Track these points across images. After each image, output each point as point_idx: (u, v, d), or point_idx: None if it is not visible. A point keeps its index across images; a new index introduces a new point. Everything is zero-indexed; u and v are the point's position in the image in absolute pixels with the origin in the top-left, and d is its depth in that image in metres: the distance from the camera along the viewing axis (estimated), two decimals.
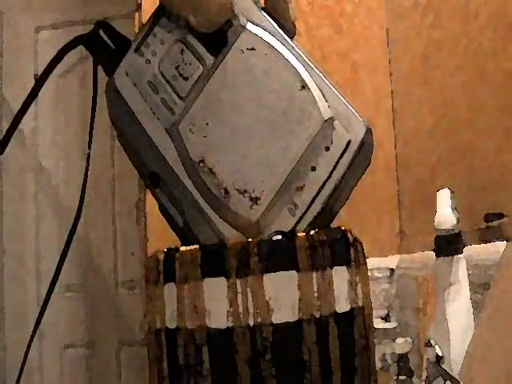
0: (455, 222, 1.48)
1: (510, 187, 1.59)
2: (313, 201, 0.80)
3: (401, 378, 1.74)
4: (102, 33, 0.90)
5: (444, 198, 1.51)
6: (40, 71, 3.01)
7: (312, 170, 0.80)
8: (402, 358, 1.77)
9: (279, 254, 0.76)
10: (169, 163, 0.82)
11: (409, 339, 1.82)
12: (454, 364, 1.39)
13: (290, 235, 0.77)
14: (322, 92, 0.81)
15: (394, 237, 2.31)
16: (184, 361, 0.75)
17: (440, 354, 1.42)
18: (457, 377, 1.34)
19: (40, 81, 0.99)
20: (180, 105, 0.82)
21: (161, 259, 0.83)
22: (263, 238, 0.78)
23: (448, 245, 1.48)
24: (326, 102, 0.80)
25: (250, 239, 0.78)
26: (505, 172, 1.61)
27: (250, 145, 0.79)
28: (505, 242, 1.41)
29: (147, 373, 0.85)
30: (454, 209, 1.49)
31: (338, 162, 0.80)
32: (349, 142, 0.80)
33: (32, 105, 3.01)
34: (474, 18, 1.76)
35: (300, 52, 0.84)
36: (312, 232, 0.77)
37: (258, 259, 0.74)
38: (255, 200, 0.78)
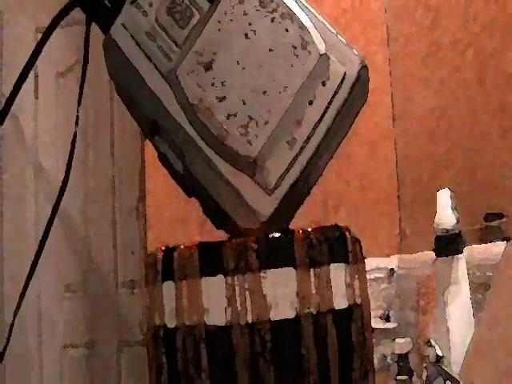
0: (455, 221, 1.48)
1: (510, 187, 1.58)
2: (311, 134, 0.81)
3: (401, 377, 1.74)
4: None
5: (444, 198, 1.51)
6: (40, 71, 3.01)
7: (309, 104, 0.81)
8: (402, 358, 1.76)
9: (277, 251, 0.76)
10: (168, 109, 0.83)
11: (409, 339, 1.82)
12: (454, 364, 1.39)
13: (288, 232, 0.77)
14: (318, 29, 0.83)
15: (394, 237, 2.31)
16: (183, 358, 0.75)
17: (440, 354, 1.41)
18: (457, 377, 1.34)
19: (38, 47, 1.01)
20: (177, 52, 0.84)
21: (159, 258, 0.83)
22: (261, 169, 0.79)
23: (448, 245, 1.48)
24: (322, 38, 0.83)
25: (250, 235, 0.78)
26: (505, 172, 1.61)
27: (248, 83, 0.81)
28: (505, 242, 1.41)
29: (147, 373, 0.85)
30: (454, 209, 1.49)
31: (334, 96, 0.82)
32: (344, 76, 0.82)
33: (32, 105, 2.99)
34: (474, 18, 1.76)
35: None
36: (310, 229, 0.77)
37: (255, 256, 0.74)
38: (254, 136, 0.79)
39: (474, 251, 1.57)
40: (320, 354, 0.74)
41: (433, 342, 1.44)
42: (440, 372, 1.40)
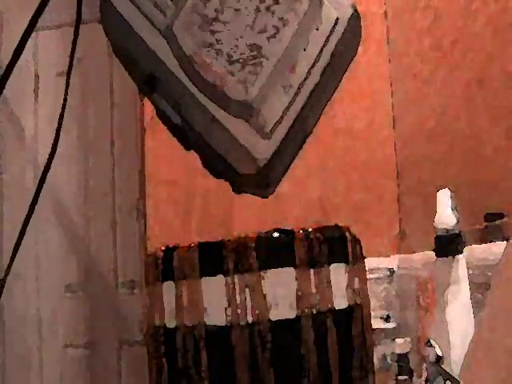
0: (455, 221, 1.48)
1: (510, 187, 1.59)
2: (305, 79, 0.83)
3: (401, 377, 1.74)
4: None
5: (444, 198, 1.51)
6: (40, 71, 3.01)
7: (304, 51, 0.83)
8: (402, 358, 1.76)
9: (277, 251, 0.76)
10: (165, 63, 0.85)
11: (409, 339, 1.82)
12: (454, 364, 1.39)
13: (288, 232, 0.77)
14: None
15: (394, 237, 2.31)
16: (182, 358, 0.75)
17: (440, 354, 1.41)
18: (457, 377, 1.34)
19: (37, 12, 1.01)
20: (172, 6, 0.85)
21: (159, 257, 0.83)
22: (256, 115, 0.80)
23: (448, 245, 1.48)
24: None
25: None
26: (505, 172, 1.61)
27: (243, 31, 0.82)
28: (505, 242, 1.41)
29: (147, 373, 0.85)
30: (454, 209, 1.49)
31: (327, 41, 0.84)
32: (337, 21, 0.83)
33: (32, 104, 2.99)
34: (474, 18, 1.77)
35: None
36: (310, 229, 0.77)
37: (256, 256, 0.75)
38: (249, 82, 0.81)
39: (474, 251, 1.57)
40: (320, 354, 0.74)
41: (433, 342, 1.44)
42: (440, 372, 1.40)
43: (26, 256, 2.84)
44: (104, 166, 2.77)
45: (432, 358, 1.42)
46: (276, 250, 0.77)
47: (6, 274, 1.09)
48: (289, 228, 0.86)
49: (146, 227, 2.43)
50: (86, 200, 2.74)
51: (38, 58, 2.82)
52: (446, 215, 1.48)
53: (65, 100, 1.08)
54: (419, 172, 2.17)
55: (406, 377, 1.71)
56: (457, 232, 1.47)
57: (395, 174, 2.31)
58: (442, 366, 1.41)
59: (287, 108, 0.83)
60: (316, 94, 0.84)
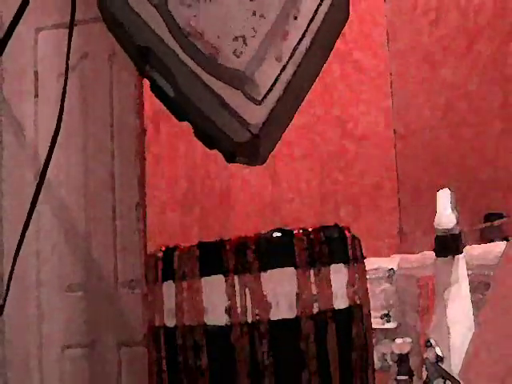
0: (455, 222, 1.47)
1: (510, 187, 1.59)
2: (297, 46, 0.84)
3: (401, 378, 1.74)
4: None
5: (444, 198, 1.51)
6: (40, 71, 3.00)
7: (294, 19, 0.84)
8: (402, 358, 1.76)
9: (277, 251, 0.76)
10: (159, 35, 0.86)
11: (409, 339, 1.82)
12: (454, 364, 1.39)
13: (288, 232, 0.77)
14: None
15: (394, 237, 2.31)
16: (183, 358, 0.75)
17: (440, 354, 1.41)
18: (457, 377, 1.33)
19: None
20: None
21: (159, 257, 0.83)
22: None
23: (448, 245, 1.47)
24: None
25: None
26: (505, 172, 1.62)
27: (236, 2, 0.84)
28: (505, 242, 1.41)
29: (147, 373, 0.85)
30: (454, 209, 1.49)
31: (317, 9, 0.85)
32: None
33: (32, 104, 2.98)
34: (474, 18, 1.77)
35: None
36: (310, 229, 0.77)
37: (255, 256, 0.75)
38: (242, 50, 0.82)
39: (474, 251, 1.57)
40: (320, 354, 0.74)
41: (433, 342, 1.44)
42: (440, 372, 1.40)
43: (26, 256, 2.84)
44: (104, 166, 2.77)
45: (432, 358, 1.42)
46: (276, 250, 0.78)
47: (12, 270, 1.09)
48: (289, 228, 0.87)
49: (145, 227, 2.43)
50: (86, 200, 2.74)
51: (37, 58, 2.82)
52: (446, 215, 1.48)
53: (65, 81, 1.10)
54: (419, 172, 2.17)
55: (406, 377, 1.71)
56: (457, 232, 1.47)
57: (395, 174, 2.31)
58: (442, 366, 1.41)
59: (279, 75, 0.85)
60: (307, 61, 0.85)
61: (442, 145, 1.99)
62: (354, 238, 0.83)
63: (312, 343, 0.73)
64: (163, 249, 0.84)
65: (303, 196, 2.29)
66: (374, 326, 1.09)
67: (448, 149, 1.95)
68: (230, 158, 0.90)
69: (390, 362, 1.95)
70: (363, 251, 0.91)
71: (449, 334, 1.44)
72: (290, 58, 0.85)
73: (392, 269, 2.25)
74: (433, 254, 1.53)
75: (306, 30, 0.85)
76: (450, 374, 1.36)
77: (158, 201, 2.39)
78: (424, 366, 1.49)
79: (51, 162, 2.97)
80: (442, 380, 1.38)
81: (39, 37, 2.85)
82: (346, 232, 0.82)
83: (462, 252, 1.47)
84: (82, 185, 2.72)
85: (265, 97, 0.85)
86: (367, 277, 0.96)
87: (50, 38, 2.79)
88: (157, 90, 0.90)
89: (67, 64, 1.08)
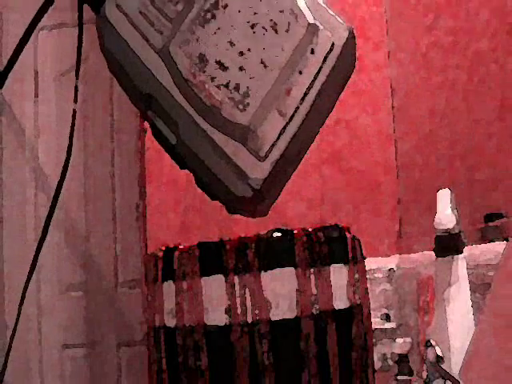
0: (455, 222, 1.47)
1: (510, 187, 1.58)
2: (301, 102, 0.83)
3: (401, 377, 1.74)
4: None
5: (444, 198, 1.51)
6: (40, 71, 3.00)
7: (299, 74, 0.83)
8: (402, 358, 1.76)
9: (277, 252, 0.76)
10: (161, 83, 0.85)
11: (409, 339, 1.82)
12: (454, 364, 1.39)
13: (289, 233, 0.77)
14: (305, 0, 0.85)
15: (394, 237, 2.31)
16: (183, 358, 0.75)
17: (440, 354, 1.41)
18: (457, 377, 1.33)
19: (33, 22, 1.02)
20: (169, 26, 0.86)
21: (159, 257, 0.83)
22: (252, 137, 0.81)
23: (448, 245, 1.47)
24: (310, 9, 0.85)
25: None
26: (505, 172, 1.61)
27: (240, 53, 0.83)
28: (505, 242, 1.41)
29: (147, 372, 0.85)
30: (454, 209, 1.49)
31: (323, 64, 0.84)
32: (333, 45, 0.84)
33: (32, 104, 2.98)
34: (474, 18, 1.76)
35: None
36: (310, 229, 0.77)
37: (255, 256, 0.74)
38: (246, 104, 0.81)
39: (474, 251, 1.57)
40: (320, 354, 0.74)
41: (433, 342, 1.44)
42: (440, 372, 1.40)
43: (25, 254, 2.84)
44: (104, 165, 2.76)
45: (432, 358, 1.42)
46: (276, 250, 0.77)
47: (12, 338, 1.08)
48: (289, 228, 0.86)
49: (145, 227, 2.42)
50: (86, 200, 2.74)
51: (37, 58, 2.81)
52: (445, 215, 1.48)
53: (74, 112, 1.09)
54: (419, 172, 2.17)
55: (406, 377, 1.71)
56: (457, 232, 1.47)
57: (395, 174, 2.31)
58: (442, 366, 1.41)
59: (283, 131, 0.83)
60: (311, 115, 0.84)
61: (442, 145, 1.99)
62: (354, 238, 0.83)
63: (312, 343, 0.73)
64: (163, 249, 0.84)
65: (303, 196, 2.29)
66: (373, 326, 1.09)
67: (448, 149, 1.95)
68: (232, 210, 0.89)
69: (390, 362, 1.95)
70: (363, 251, 0.91)
71: (449, 334, 1.44)
72: (294, 113, 0.84)
73: (392, 269, 2.25)
74: (433, 254, 1.53)
75: (310, 85, 0.84)
76: (450, 374, 1.36)
77: (157, 201, 2.39)
78: (424, 365, 1.49)
79: (51, 162, 2.97)
80: (442, 380, 1.38)
81: (39, 37, 2.84)
82: (346, 232, 0.82)
83: (461, 252, 1.47)
84: (82, 185, 2.72)
85: (268, 152, 0.84)
86: (367, 277, 0.96)
87: (50, 38, 2.79)
88: (158, 134, 0.90)
89: (76, 95, 1.07)
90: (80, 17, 0.97)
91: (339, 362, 0.75)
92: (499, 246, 1.42)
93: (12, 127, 2.80)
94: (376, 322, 2.13)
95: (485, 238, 1.64)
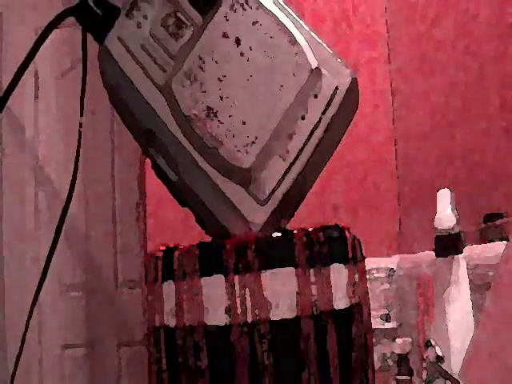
0: (455, 222, 1.47)
1: (510, 187, 1.58)
2: (303, 147, 0.83)
3: (401, 378, 1.74)
4: (90, 2, 0.93)
5: (444, 198, 1.51)
6: (40, 71, 3.01)
7: (302, 119, 0.83)
8: (402, 358, 1.76)
9: (277, 251, 0.76)
10: (162, 120, 0.84)
11: (409, 339, 1.82)
12: (454, 364, 1.39)
13: (288, 233, 0.77)
14: (309, 44, 0.84)
15: (394, 237, 2.31)
16: (183, 358, 0.75)
17: (440, 354, 1.41)
18: (457, 377, 1.34)
19: (32, 51, 1.02)
20: (171, 63, 0.85)
21: (160, 257, 0.83)
22: (254, 182, 0.81)
23: (448, 245, 1.47)
24: (313, 52, 0.84)
25: (248, 233, 0.79)
26: (505, 172, 1.61)
27: (242, 96, 0.82)
28: (505, 242, 1.41)
29: (147, 373, 0.85)
30: (454, 209, 1.49)
31: (326, 109, 0.83)
32: (336, 89, 0.84)
33: (32, 105, 2.98)
34: (474, 18, 1.76)
35: (287, 7, 0.88)
36: (310, 229, 0.77)
37: (255, 256, 0.75)
38: (247, 148, 0.80)
39: (474, 251, 1.57)
40: (320, 355, 0.74)
41: (433, 342, 1.44)
42: (440, 372, 1.40)
43: (25, 256, 2.84)
44: (104, 165, 2.76)
45: (432, 358, 1.42)
46: (276, 249, 0.77)
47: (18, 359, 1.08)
48: (289, 228, 0.87)
49: (145, 227, 2.43)
50: (86, 200, 2.74)
51: (38, 58, 2.81)
52: (445, 215, 1.48)
53: (80, 125, 1.09)
54: (419, 172, 2.17)
55: (406, 377, 1.71)
56: (457, 232, 1.47)
57: (395, 174, 2.31)
58: (442, 366, 1.41)
59: (284, 175, 0.83)
60: (314, 159, 0.84)
61: (442, 145, 1.99)
62: (354, 238, 0.83)
63: (312, 343, 0.73)
64: (163, 248, 0.84)
65: None
66: (374, 326, 1.09)
67: (448, 149, 1.95)
68: None
69: (390, 362, 1.95)
70: (363, 251, 0.91)
71: (449, 334, 1.44)
72: (297, 157, 0.83)
73: (392, 269, 2.25)
74: (433, 254, 1.53)
75: (313, 130, 0.83)
76: (450, 374, 1.36)
77: (158, 201, 2.39)
78: (424, 365, 1.49)
79: (51, 162, 2.97)
80: (442, 380, 1.38)
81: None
82: (346, 232, 0.82)
83: (461, 252, 1.47)
84: (82, 185, 2.72)
85: (269, 197, 0.83)
86: (367, 277, 0.96)
87: (50, 37, 2.79)
88: (159, 171, 0.89)
89: (82, 108, 1.07)
90: (84, 48, 0.97)
91: (339, 361, 0.75)
92: (499, 246, 1.42)
93: (12, 127, 2.80)
94: (376, 322, 2.13)
95: (485, 238, 1.64)
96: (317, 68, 0.82)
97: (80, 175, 2.94)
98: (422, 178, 2.13)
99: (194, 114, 0.82)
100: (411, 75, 2.22)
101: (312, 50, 0.84)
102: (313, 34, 0.86)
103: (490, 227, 1.64)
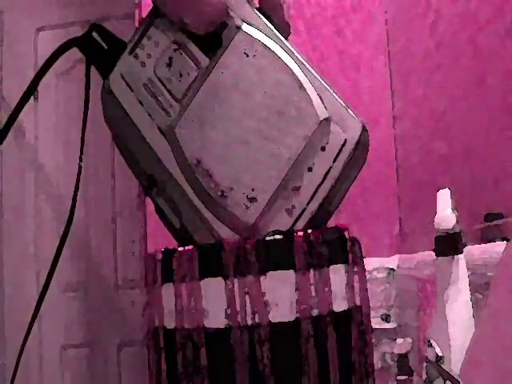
0: (455, 222, 1.47)
1: (510, 187, 1.58)
2: (310, 201, 0.80)
3: (401, 377, 1.74)
4: (95, 35, 0.89)
5: (444, 198, 1.50)
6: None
7: (308, 171, 0.80)
8: (402, 358, 1.76)
9: (277, 254, 0.76)
10: (165, 165, 0.81)
11: (409, 339, 1.82)
12: (454, 364, 1.39)
13: (288, 234, 0.77)
14: (317, 92, 0.80)
15: (394, 237, 2.31)
16: (182, 361, 0.75)
17: (440, 354, 1.41)
18: (457, 377, 1.33)
19: (34, 82, 0.99)
20: (176, 107, 0.81)
21: (159, 259, 0.82)
22: (260, 237, 0.78)
23: (448, 245, 1.47)
24: (322, 102, 0.80)
25: (247, 239, 0.78)
26: (505, 172, 1.61)
27: (247, 146, 0.79)
28: (505, 242, 1.41)
29: (147, 373, 0.85)
30: (454, 209, 1.49)
31: (334, 162, 0.80)
32: (345, 142, 0.80)
33: (32, 105, 3.00)
34: (474, 18, 1.76)
35: (295, 52, 0.84)
36: (309, 231, 0.77)
37: (255, 259, 0.74)
38: (252, 201, 0.78)
39: (474, 251, 1.57)
40: (320, 356, 0.73)
41: (433, 342, 1.43)
42: (440, 372, 1.40)
43: (25, 256, 2.84)
44: (104, 165, 2.77)
45: (432, 358, 1.42)
46: (275, 251, 0.77)
47: (18, 362, 1.08)
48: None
49: (146, 228, 2.43)
50: (86, 200, 2.74)
51: (38, 58, 2.81)
52: (445, 215, 1.48)
53: (80, 159, 1.08)
54: (419, 172, 2.17)
55: (406, 377, 1.71)
56: (457, 232, 1.47)
57: (395, 174, 2.31)
58: (442, 366, 1.41)
59: (290, 229, 0.81)
60: (320, 212, 0.82)
61: (442, 145, 1.99)
62: (353, 238, 0.83)
63: (312, 345, 0.72)
64: (162, 250, 0.84)
65: None
66: (373, 326, 1.09)
67: (448, 149, 1.95)
68: None
69: (390, 362, 1.95)
70: (363, 252, 0.90)
71: (449, 334, 1.43)
72: (303, 211, 0.81)
73: (392, 269, 2.25)
74: (433, 254, 1.52)
75: (321, 183, 0.80)
76: (450, 374, 1.36)
77: None
78: (424, 365, 1.49)
79: (51, 162, 2.97)
80: (442, 380, 1.38)
81: (39, 37, 2.85)
82: (346, 233, 0.82)
83: (462, 252, 1.47)
84: (82, 185, 2.72)
85: None
86: (367, 277, 0.96)
87: (50, 38, 2.79)
88: (162, 214, 0.87)
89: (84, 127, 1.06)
90: (87, 84, 0.94)
91: (339, 363, 0.75)
92: (499, 246, 1.42)
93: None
94: (376, 322, 2.13)
95: (485, 238, 1.64)
96: (325, 119, 0.79)
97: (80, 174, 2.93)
98: (422, 178, 2.13)
99: (198, 162, 0.80)
100: (411, 75, 2.22)
101: (320, 98, 0.80)
102: (322, 81, 0.83)
103: (490, 227, 1.64)
